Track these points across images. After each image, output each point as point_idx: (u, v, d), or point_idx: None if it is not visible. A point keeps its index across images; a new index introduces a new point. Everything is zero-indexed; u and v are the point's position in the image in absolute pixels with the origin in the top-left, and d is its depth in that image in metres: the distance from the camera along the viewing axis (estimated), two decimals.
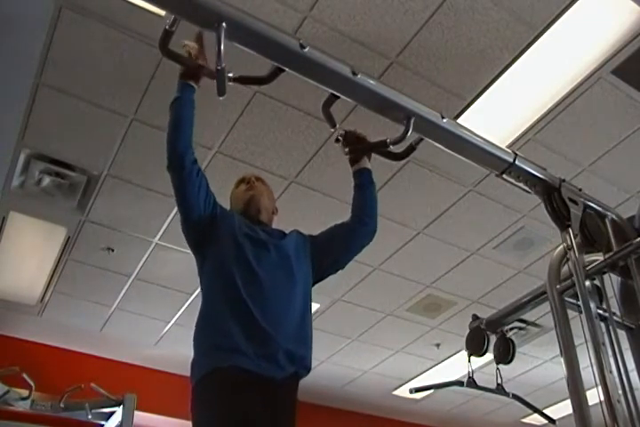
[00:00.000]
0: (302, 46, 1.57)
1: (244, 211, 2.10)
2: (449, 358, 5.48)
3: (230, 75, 1.67)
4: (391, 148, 1.91)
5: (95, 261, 4.32)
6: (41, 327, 4.97)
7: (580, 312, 1.75)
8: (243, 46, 1.56)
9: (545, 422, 3.49)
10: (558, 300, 1.89)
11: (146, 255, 4.27)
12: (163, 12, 2.46)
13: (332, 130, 1.96)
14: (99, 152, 3.51)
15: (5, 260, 4.34)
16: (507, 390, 3.18)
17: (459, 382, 3.17)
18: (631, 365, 1.81)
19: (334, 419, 6.13)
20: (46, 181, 3.65)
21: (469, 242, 4.22)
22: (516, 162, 1.88)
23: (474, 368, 3.12)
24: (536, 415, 3.55)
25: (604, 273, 1.91)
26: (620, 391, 1.67)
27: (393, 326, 5.05)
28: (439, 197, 3.86)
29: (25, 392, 4.05)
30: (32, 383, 3.99)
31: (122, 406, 4.13)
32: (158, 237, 4.11)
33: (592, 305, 1.73)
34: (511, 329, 4.20)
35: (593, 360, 1.67)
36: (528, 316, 4.25)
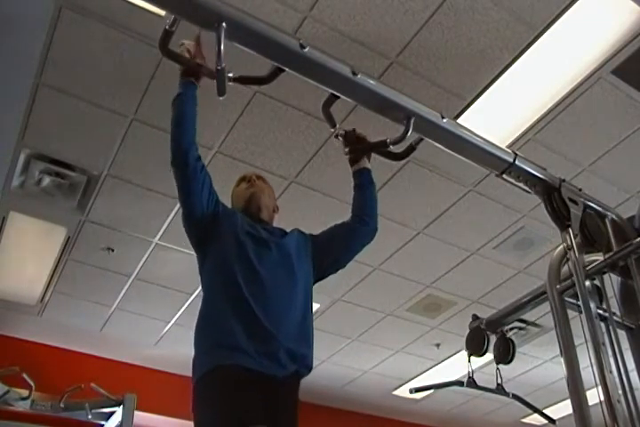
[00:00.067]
0: (302, 46, 1.57)
1: (244, 208, 2.10)
2: (449, 358, 5.48)
3: (230, 75, 1.68)
4: (391, 148, 1.91)
5: (95, 261, 4.31)
6: (41, 327, 4.96)
7: (580, 312, 1.75)
8: (243, 46, 1.56)
9: (545, 422, 3.49)
10: (558, 300, 1.89)
11: (146, 255, 4.27)
12: (163, 12, 2.46)
13: (332, 130, 1.97)
14: (99, 152, 3.51)
15: (5, 260, 4.34)
16: (507, 390, 3.18)
17: (459, 382, 3.17)
18: (631, 365, 1.81)
19: (334, 419, 6.13)
20: (46, 181, 3.65)
21: (469, 242, 4.22)
22: (516, 162, 1.89)
23: (474, 368, 3.12)
24: (536, 415, 3.55)
25: (604, 273, 1.91)
26: (620, 391, 1.68)
27: (393, 326, 5.05)
28: (439, 197, 3.86)
29: (25, 392, 4.05)
30: (32, 383, 3.98)
31: (122, 406, 4.13)
32: (158, 237, 4.11)
33: (592, 305, 1.74)
34: (511, 329, 4.20)
35: (593, 360, 1.67)
36: (528, 316, 4.25)
